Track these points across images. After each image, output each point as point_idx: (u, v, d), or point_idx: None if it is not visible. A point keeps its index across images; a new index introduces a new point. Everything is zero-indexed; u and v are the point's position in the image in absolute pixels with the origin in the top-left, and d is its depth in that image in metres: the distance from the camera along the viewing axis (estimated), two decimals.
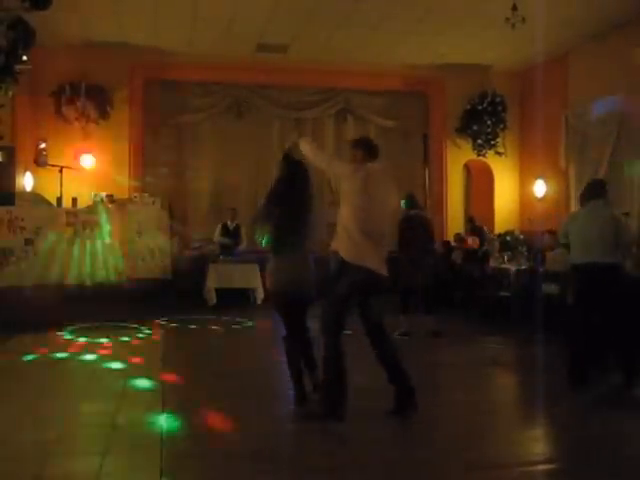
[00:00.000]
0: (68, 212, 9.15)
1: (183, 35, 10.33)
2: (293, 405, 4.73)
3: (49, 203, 9.53)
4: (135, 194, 10.32)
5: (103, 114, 10.80)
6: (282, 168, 4.88)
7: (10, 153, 8.88)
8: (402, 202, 7.85)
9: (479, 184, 12.95)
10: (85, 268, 8.88)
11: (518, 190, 12.66)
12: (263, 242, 4.84)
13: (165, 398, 4.97)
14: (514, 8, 7.80)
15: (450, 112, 12.36)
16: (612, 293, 5.38)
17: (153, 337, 7.81)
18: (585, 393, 5.26)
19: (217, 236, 10.88)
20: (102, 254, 9.04)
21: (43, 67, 9.81)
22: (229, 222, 10.94)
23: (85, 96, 10.56)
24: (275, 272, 4.79)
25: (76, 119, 10.63)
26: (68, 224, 8.93)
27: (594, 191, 5.70)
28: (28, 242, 8.49)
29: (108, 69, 10.82)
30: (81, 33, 10.13)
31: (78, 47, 10.52)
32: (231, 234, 10.83)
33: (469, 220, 11.65)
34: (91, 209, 9.38)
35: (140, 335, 7.92)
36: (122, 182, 10.96)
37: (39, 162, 10.14)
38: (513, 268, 8.98)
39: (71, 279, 8.72)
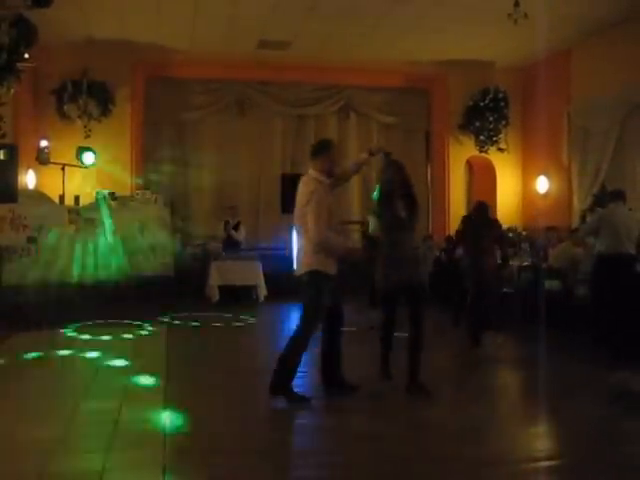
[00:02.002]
0: (70, 210, 9.17)
1: (185, 32, 10.32)
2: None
3: (51, 201, 9.55)
4: (137, 191, 10.34)
5: (105, 111, 10.80)
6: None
7: (12, 151, 8.84)
8: None
9: (481, 180, 12.94)
10: (87, 266, 8.89)
11: (520, 186, 12.64)
12: None
13: (167, 395, 4.97)
14: (516, 4, 7.79)
15: (452, 108, 12.34)
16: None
17: (155, 334, 7.82)
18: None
19: (222, 231, 10.91)
20: (104, 252, 9.06)
21: (45, 65, 9.80)
22: (230, 220, 10.95)
23: (87, 94, 10.56)
24: None
25: (78, 117, 10.63)
26: (70, 222, 8.95)
27: (617, 194, 7.03)
28: (31, 240, 8.50)
29: (110, 66, 10.81)
30: (83, 31, 10.12)
31: (80, 45, 10.51)
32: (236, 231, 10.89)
33: None
34: (93, 207, 9.39)
35: (142, 332, 7.92)
36: (124, 179, 10.96)
37: (41, 160, 10.15)
38: (516, 264, 8.97)
39: (73, 277, 8.74)
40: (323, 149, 4.97)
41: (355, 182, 12.77)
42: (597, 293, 6.90)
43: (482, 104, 12.07)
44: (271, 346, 7.50)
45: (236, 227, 10.92)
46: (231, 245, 10.76)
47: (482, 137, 12.20)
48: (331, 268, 4.81)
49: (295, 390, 4.79)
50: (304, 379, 5.18)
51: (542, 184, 11.71)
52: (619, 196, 7.03)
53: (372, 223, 5.46)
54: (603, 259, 6.78)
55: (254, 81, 12.09)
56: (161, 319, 8.59)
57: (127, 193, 10.30)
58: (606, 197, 7.44)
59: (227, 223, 10.91)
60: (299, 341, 4.79)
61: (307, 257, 4.80)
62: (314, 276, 4.73)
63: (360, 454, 3.86)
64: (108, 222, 9.24)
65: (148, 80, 11.60)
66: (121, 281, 9.00)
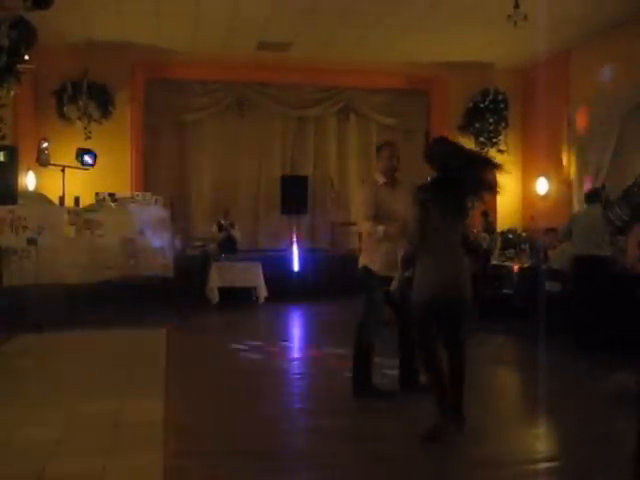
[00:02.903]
0: (70, 211, 9.16)
1: (185, 34, 10.33)
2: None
3: (51, 202, 9.55)
4: (137, 193, 10.33)
5: (105, 113, 10.80)
6: None
7: (12, 153, 8.86)
8: None
9: None
10: (87, 267, 8.89)
11: (520, 188, 12.63)
12: None
13: (167, 397, 4.98)
14: (516, 5, 7.79)
15: (452, 110, 12.34)
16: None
17: (155, 336, 7.81)
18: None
19: (216, 232, 10.94)
20: (104, 253, 9.05)
21: (45, 66, 9.79)
22: (222, 221, 10.97)
23: (87, 95, 10.56)
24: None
25: (78, 118, 10.63)
26: (70, 223, 8.94)
27: (591, 197, 7.33)
28: (31, 241, 8.50)
29: (110, 68, 10.82)
30: (83, 32, 10.13)
31: (80, 46, 10.52)
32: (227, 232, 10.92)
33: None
34: (93, 208, 9.39)
35: (142, 334, 7.92)
36: (124, 181, 10.95)
37: (41, 161, 10.14)
38: (515, 266, 8.97)
39: (73, 278, 8.73)
40: (378, 151, 5.16)
41: (355, 184, 12.80)
42: (577, 295, 7.07)
43: (482, 105, 12.08)
44: (271, 347, 7.52)
45: (230, 227, 10.98)
46: (228, 245, 10.78)
47: (482, 138, 12.19)
48: (378, 267, 4.86)
49: (378, 387, 4.98)
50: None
51: (542, 185, 11.70)
52: (595, 197, 7.28)
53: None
54: (577, 261, 7.06)
55: (254, 82, 12.09)
56: (161, 320, 8.59)
57: (127, 194, 10.28)
58: (587, 198, 7.59)
59: (220, 225, 10.93)
60: (360, 337, 4.94)
61: (361, 254, 5.04)
62: (363, 273, 4.94)
63: (360, 455, 3.86)
64: (108, 223, 9.23)
65: (148, 82, 11.60)
66: (121, 283, 8.98)
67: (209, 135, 12.21)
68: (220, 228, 10.94)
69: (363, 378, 4.95)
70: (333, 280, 10.96)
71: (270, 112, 12.39)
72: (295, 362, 6.78)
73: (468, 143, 12.28)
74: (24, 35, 6.96)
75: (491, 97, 12.08)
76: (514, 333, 7.93)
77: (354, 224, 12.18)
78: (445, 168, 4.04)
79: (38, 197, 9.64)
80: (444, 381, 4.07)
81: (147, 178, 11.54)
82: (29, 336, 7.46)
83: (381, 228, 4.78)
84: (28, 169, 10.07)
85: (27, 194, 9.56)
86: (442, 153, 4.12)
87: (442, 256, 4.03)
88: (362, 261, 5.00)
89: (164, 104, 11.75)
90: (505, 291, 8.89)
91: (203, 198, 12.15)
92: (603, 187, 10.02)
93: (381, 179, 5.03)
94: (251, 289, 10.59)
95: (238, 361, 6.61)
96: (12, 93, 7.29)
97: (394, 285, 4.61)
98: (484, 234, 10.55)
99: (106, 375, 5.80)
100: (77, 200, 9.63)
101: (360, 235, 5.26)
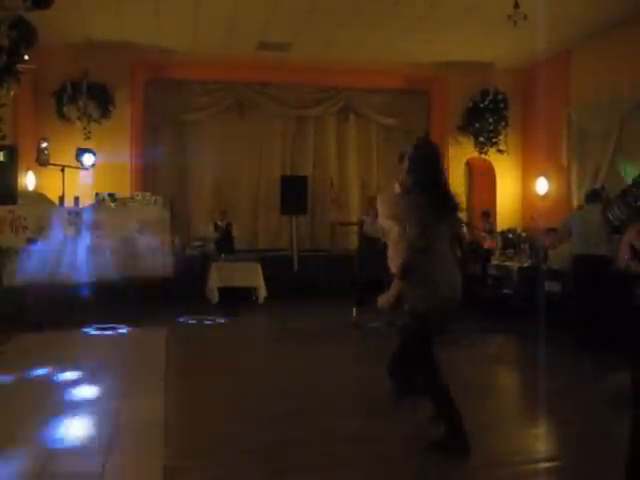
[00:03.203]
0: (70, 211, 9.16)
1: (185, 34, 10.32)
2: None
3: (51, 202, 9.54)
4: (137, 193, 10.32)
5: (105, 113, 10.80)
6: None
7: (12, 152, 8.88)
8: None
9: (481, 182, 12.93)
10: (87, 267, 8.88)
11: (520, 188, 12.64)
12: None
13: (168, 397, 4.98)
14: (516, 5, 7.79)
15: (452, 110, 12.34)
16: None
17: (155, 336, 7.82)
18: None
19: (212, 233, 10.95)
20: (104, 253, 9.05)
21: (45, 66, 9.78)
22: (219, 222, 10.97)
23: (87, 95, 10.56)
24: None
25: (78, 118, 10.63)
26: (70, 223, 8.94)
27: (591, 197, 7.42)
28: (30, 241, 8.50)
29: (110, 68, 10.82)
30: (82, 32, 10.12)
31: (80, 46, 10.52)
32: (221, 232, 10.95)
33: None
34: (93, 208, 9.38)
35: (142, 334, 7.92)
36: (124, 180, 10.95)
37: (41, 161, 10.12)
38: (515, 266, 8.98)
39: (73, 278, 8.73)
40: (400, 161, 4.96)
41: (354, 184, 12.81)
42: (577, 295, 7.12)
43: (482, 105, 12.08)
44: (270, 347, 7.53)
45: (227, 228, 10.98)
46: (226, 245, 10.77)
47: (481, 138, 12.20)
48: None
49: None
50: None
51: (542, 185, 11.71)
52: (596, 197, 7.33)
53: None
54: (576, 261, 7.14)
55: (254, 82, 12.08)
56: (161, 320, 8.59)
57: (127, 194, 10.28)
58: (587, 198, 7.64)
59: (216, 225, 10.94)
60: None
61: (389, 262, 4.96)
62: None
63: (359, 455, 3.86)
64: (107, 224, 9.23)
65: (148, 82, 11.59)
66: (121, 283, 8.98)
67: (209, 135, 12.20)
68: (217, 229, 10.94)
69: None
70: (333, 280, 10.96)
71: (270, 112, 12.38)
72: (295, 362, 6.77)
73: (468, 143, 12.35)
74: (24, 35, 6.95)
75: (491, 97, 12.08)
76: (514, 333, 7.93)
77: (354, 224, 12.22)
78: (427, 172, 4.00)
79: (38, 197, 9.64)
80: (451, 396, 3.88)
81: (147, 178, 11.54)
82: (29, 336, 7.46)
83: (397, 228, 4.78)
84: (28, 169, 10.07)
85: (27, 194, 9.56)
86: (427, 157, 4.08)
87: (440, 261, 3.90)
88: (391, 269, 4.98)
89: (164, 104, 11.75)
90: (505, 291, 8.89)
91: (203, 198, 12.15)
92: (603, 187, 10.02)
93: (398, 188, 4.98)
94: (251, 289, 10.60)
95: (238, 361, 6.61)
96: (12, 93, 7.28)
97: (383, 302, 4.03)
98: (484, 234, 10.54)
99: (106, 375, 5.80)
100: (77, 200, 9.63)
101: (385, 245, 5.19)
